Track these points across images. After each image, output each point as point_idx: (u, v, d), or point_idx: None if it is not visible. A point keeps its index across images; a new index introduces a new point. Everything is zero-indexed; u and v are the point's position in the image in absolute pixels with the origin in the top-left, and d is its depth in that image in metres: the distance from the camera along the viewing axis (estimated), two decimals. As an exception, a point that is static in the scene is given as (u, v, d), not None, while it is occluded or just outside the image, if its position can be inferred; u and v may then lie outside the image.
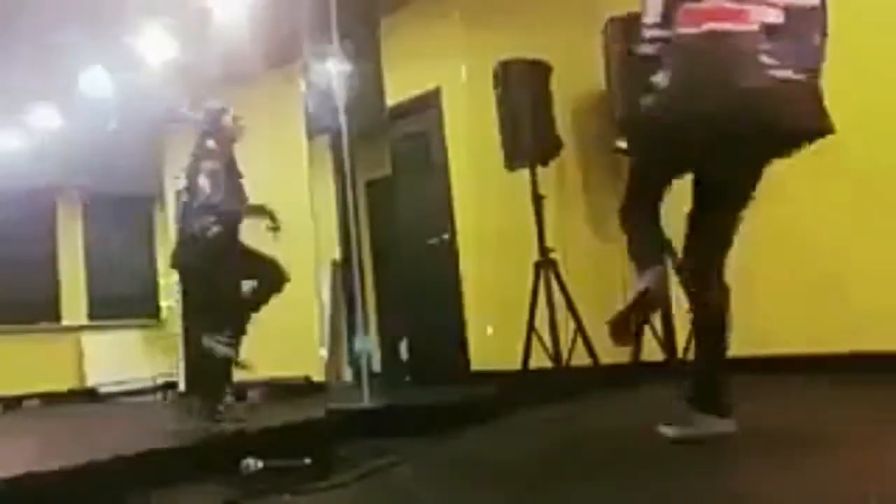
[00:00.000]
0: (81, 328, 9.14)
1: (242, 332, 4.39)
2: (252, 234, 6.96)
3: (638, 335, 4.72)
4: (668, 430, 2.61)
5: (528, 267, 4.89)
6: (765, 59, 2.15)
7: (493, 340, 5.29)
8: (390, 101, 6.10)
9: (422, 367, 5.96)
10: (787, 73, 2.14)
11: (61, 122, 6.87)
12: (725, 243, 2.50)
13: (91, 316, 9.33)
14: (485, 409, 3.88)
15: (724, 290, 2.51)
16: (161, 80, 5.72)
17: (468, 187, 5.59)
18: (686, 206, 2.54)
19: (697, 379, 2.59)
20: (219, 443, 3.49)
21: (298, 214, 6.46)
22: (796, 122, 2.19)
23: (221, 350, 4.03)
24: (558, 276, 4.84)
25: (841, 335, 3.94)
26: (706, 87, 2.21)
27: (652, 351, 4.74)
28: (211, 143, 4.34)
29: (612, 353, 4.90)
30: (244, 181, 4.48)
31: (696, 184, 2.52)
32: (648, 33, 2.37)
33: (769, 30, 2.18)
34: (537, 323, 4.81)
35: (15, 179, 7.27)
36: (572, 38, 5.17)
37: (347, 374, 6.51)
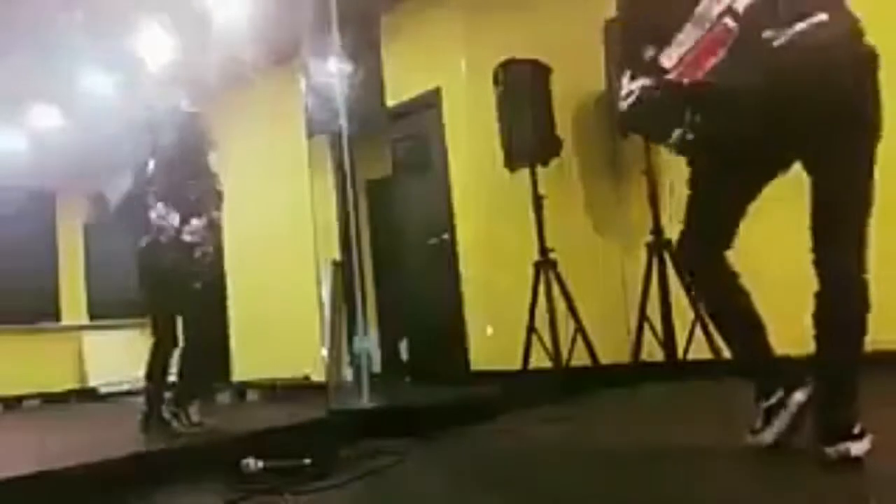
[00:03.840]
0: (81, 328, 9.13)
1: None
2: (251, 235, 6.96)
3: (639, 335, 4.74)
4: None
5: (528, 267, 4.89)
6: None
7: (493, 340, 5.28)
8: (390, 101, 6.09)
9: (422, 367, 5.96)
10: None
11: (61, 122, 6.87)
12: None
13: (91, 316, 9.32)
14: (485, 409, 3.88)
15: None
16: (161, 79, 5.71)
17: (468, 187, 5.59)
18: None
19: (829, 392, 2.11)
20: (219, 443, 3.49)
21: (298, 214, 6.46)
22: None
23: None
24: (558, 276, 4.84)
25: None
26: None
27: (652, 351, 4.74)
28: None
29: (611, 353, 4.92)
30: None
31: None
32: None
33: None
34: (537, 323, 4.82)
35: (15, 179, 7.26)
36: (572, 38, 5.17)
37: (347, 374, 6.50)
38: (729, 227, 2.30)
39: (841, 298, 2.07)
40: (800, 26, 1.95)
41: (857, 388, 2.07)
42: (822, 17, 1.95)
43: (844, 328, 2.08)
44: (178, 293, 3.99)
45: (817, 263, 2.08)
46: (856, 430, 2.01)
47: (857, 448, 1.99)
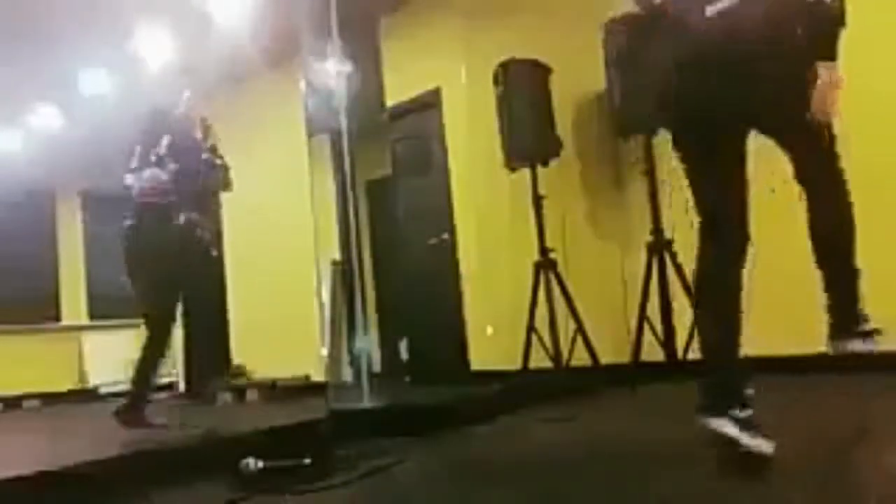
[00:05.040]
0: (81, 328, 9.13)
1: None
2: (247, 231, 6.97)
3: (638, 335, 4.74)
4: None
5: (528, 267, 4.89)
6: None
7: (493, 340, 5.28)
8: (390, 101, 6.11)
9: (422, 367, 5.96)
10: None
11: (61, 122, 6.87)
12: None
13: (91, 316, 9.32)
14: (485, 409, 3.88)
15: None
16: (161, 79, 5.72)
17: (468, 187, 5.59)
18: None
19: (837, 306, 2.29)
20: (219, 443, 3.49)
21: (298, 214, 6.47)
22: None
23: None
24: (558, 276, 4.84)
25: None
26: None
27: (652, 351, 4.74)
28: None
29: (611, 353, 4.92)
30: None
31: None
32: None
33: None
34: (537, 323, 4.82)
35: (15, 179, 7.26)
36: (572, 39, 5.17)
37: (347, 374, 6.50)
38: (736, 201, 2.29)
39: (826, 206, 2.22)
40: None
41: (858, 290, 2.26)
42: None
43: (835, 235, 2.24)
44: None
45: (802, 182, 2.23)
46: (865, 328, 2.24)
47: (862, 346, 2.24)
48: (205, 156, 4.13)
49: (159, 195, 3.94)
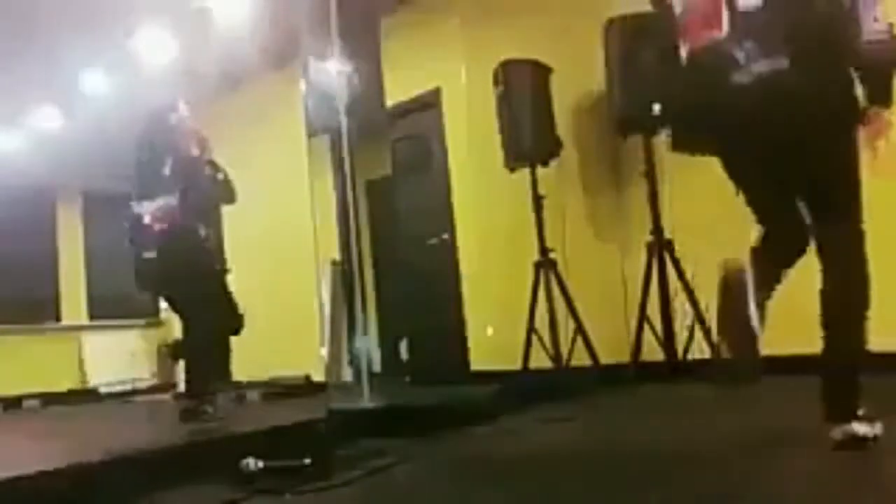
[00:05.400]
0: (81, 328, 9.12)
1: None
2: (246, 232, 6.97)
3: (638, 334, 4.74)
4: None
5: (528, 267, 4.89)
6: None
7: (493, 340, 5.28)
8: (390, 101, 6.10)
9: (422, 367, 5.96)
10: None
11: (61, 122, 6.87)
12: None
13: (91, 316, 9.31)
14: (485, 409, 3.88)
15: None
16: (161, 80, 5.72)
17: (468, 187, 5.59)
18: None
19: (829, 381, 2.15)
20: (219, 443, 3.49)
21: (298, 214, 6.47)
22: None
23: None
24: (558, 276, 4.85)
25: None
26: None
27: (652, 351, 4.74)
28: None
29: (611, 353, 4.92)
30: None
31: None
32: None
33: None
34: (537, 323, 4.82)
35: (15, 179, 7.26)
36: (572, 39, 5.17)
37: (347, 374, 6.50)
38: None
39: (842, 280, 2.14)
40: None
41: (857, 373, 2.14)
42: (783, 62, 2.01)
43: (844, 311, 2.14)
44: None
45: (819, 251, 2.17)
46: (860, 413, 2.07)
47: (863, 429, 2.05)
48: (206, 172, 4.16)
49: (170, 220, 3.99)
